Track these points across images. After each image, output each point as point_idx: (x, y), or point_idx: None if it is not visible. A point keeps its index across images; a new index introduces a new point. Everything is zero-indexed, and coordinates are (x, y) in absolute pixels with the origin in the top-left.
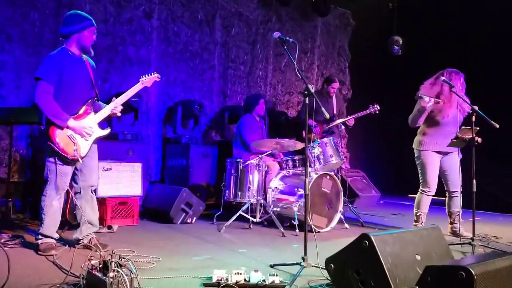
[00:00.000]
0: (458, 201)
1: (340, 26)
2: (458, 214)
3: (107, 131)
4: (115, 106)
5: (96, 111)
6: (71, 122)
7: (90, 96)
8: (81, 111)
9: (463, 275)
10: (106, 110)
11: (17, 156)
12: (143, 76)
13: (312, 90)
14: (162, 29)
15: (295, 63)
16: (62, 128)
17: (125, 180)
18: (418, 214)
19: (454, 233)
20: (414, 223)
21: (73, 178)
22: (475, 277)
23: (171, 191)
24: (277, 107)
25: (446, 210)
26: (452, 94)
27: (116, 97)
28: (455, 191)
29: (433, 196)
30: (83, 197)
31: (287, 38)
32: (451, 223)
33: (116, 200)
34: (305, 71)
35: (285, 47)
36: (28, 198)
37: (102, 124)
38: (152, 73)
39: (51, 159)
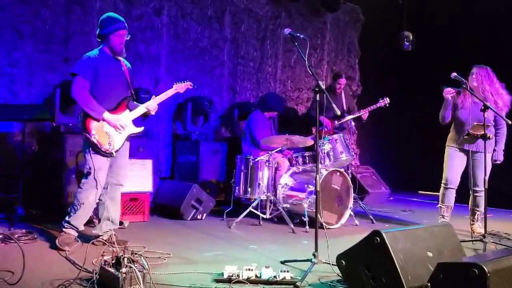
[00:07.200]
0: (480, 200)
1: (350, 22)
2: (477, 213)
3: (140, 129)
4: (152, 104)
5: (131, 110)
6: (106, 114)
7: (126, 95)
8: (116, 108)
9: (476, 272)
10: (140, 109)
11: (29, 153)
12: (177, 82)
13: (323, 87)
14: (172, 25)
15: (306, 60)
16: (98, 121)
17: (136, 176)
18: (440, 207)
19: (474, 231)
20: (440, 217)
21: None
22: (488, 274)
23: (181, 188)
24: (287, 103)
25: (469, 207)
26: (464, 91)
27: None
28: (477, 190)
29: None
30: (108, 194)
31: (298, 34)
32: (472, 220)
33: (127, 196)
34: (315, 67)
35: (296, 43)
36: (40, 194)
37: (138, 123)
38: (185, 81)
39: (87, 151)
